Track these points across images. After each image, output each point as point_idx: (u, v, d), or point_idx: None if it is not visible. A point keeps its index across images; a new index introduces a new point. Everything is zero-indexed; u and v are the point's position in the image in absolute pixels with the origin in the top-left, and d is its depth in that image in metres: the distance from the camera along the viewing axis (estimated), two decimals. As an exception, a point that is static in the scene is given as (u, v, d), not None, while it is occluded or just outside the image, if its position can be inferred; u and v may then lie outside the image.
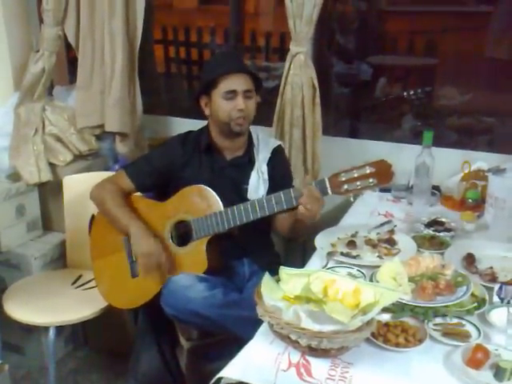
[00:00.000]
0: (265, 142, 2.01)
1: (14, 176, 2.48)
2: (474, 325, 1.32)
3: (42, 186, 2.52)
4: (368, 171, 1.59)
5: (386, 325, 1.30)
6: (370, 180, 1.60)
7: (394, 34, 3.67)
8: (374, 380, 1.17)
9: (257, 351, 1.27)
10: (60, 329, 2.31)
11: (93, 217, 2.07)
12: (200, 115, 2.02)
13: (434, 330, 1.30)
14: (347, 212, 2.08)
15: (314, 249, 1.73)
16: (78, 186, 2.28)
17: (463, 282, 1.43)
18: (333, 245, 1.74)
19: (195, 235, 1.83)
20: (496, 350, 1.21)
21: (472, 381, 1.13)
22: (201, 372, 1.89)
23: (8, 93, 2.61)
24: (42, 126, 2.50)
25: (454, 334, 1.28)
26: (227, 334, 1.73)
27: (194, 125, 2.07)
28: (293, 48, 2.23)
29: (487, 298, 1.41)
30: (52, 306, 2.08)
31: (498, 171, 1.87)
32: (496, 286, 1.42)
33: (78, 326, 2.47)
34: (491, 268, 1.55)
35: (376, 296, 1.22)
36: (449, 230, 1.82)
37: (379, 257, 1.66)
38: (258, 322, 1.31)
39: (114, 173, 2.14)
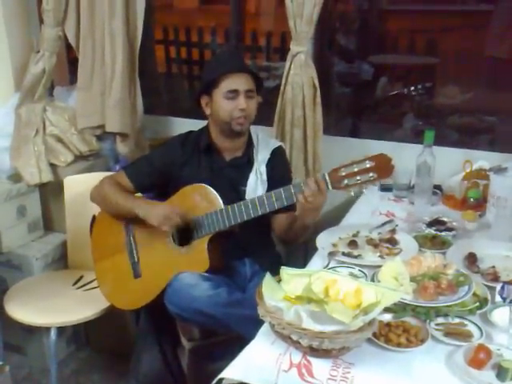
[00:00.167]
0: (265, 142, 2.00)
1: (15, 177, 2.49)
2: (476, 325, 1.31)
3: (42, 187, 2.52)
4: (368, 165, 1.59)
5: (388, 325, 1.30)
6: (370, 174, 1.59)
7: (394, 33, 3.66)
8: (376, 380, 1.17)
9: (258, 352, 1.27)
10: (61, 329, 2.31)
11: (94, 218, 2.07)
12: (201, 115, 2.02)
13: (436, 329, 1.30)
14: (348, 212, 2.08)
15: (315, 249, 1.73)
16: (79, 186, 2.28)
17: (465, 281, 1.43)
18: (334, 245, 1.73)
19: (196, 234, 1.83)
20: (498, 349, 1.21)
21: (474, 381, 1.12)
22: (202, 372, 1.89)
23: (9, 93, 2.61)
24: (42, 126, 2.50)
25: (456, 334, 1.28)
26: (230, 333, 1.73)
27: (195, 125, 2.07)
28: (293, 48, 2.23)
29: (489, 297, 1.40)
30: (53, 307, 2.08)
31: (499, 170, 1.87)
32: (498, 286, 1.42)
33: (80, 326, 2.48)
34: (493, 267, 1.55)
35: (377, 296, 1.22)
36: (450, 230, 1.82)
37: (381, 256, 1.66)
38: (260, 322, 1.30)
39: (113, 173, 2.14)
